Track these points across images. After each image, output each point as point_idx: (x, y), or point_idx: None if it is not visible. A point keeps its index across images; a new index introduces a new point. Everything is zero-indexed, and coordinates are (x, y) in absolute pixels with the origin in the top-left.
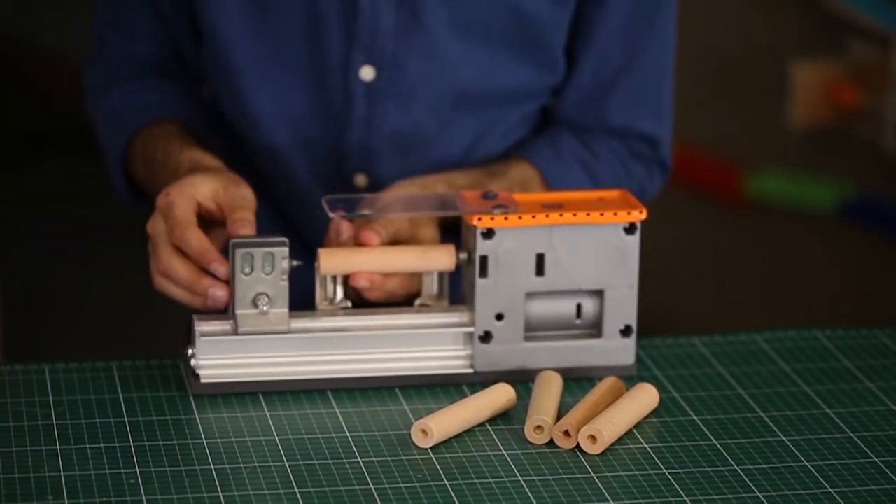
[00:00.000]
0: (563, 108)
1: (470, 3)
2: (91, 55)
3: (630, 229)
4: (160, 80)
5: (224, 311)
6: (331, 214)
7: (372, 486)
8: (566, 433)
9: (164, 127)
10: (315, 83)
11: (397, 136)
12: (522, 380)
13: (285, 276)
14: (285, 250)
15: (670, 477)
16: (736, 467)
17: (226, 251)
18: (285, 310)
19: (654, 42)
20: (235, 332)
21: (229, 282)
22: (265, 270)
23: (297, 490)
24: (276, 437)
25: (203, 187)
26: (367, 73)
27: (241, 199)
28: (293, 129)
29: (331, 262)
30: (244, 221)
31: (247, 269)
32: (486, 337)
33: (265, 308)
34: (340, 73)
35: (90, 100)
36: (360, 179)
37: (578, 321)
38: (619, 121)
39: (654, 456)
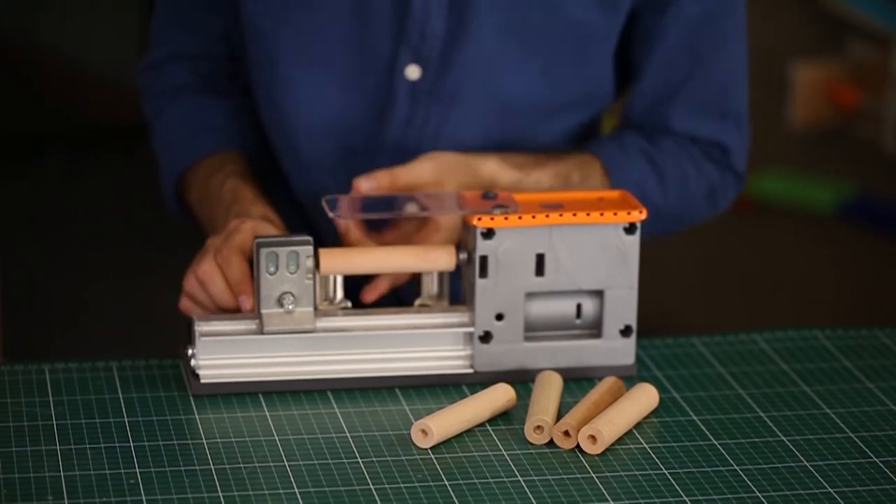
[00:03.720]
0: (630, 114)
1: (520, 12)
2: (148, 55)
3: (630, 229)
4: (217, 99)
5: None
6: (330, 215)
7: (372, 486)
8: (566, 433)
9: (233, 165)
10: (356, 79)
11: (435, 139)
12: (522, 380)
13: (310, 275)
14: (310, 249)
15: (670, 477)
16: (736, 467)
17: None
18: (311, 308)
19: (720, 53)
20: (261, 332)
21: (254, 282)
22: (290, 269)
23: (297, 490)
24: (276, 437)
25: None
26: (412, 72)
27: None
28: (328, 126)
29: (331, 261)
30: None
31: (271, 269)
32: (486, 337)
33: (290, 307)
34: (385, 70)
35: (148, 103)
36: None
37: (578, 321)
38: (682, 127)
39: (654, 456)
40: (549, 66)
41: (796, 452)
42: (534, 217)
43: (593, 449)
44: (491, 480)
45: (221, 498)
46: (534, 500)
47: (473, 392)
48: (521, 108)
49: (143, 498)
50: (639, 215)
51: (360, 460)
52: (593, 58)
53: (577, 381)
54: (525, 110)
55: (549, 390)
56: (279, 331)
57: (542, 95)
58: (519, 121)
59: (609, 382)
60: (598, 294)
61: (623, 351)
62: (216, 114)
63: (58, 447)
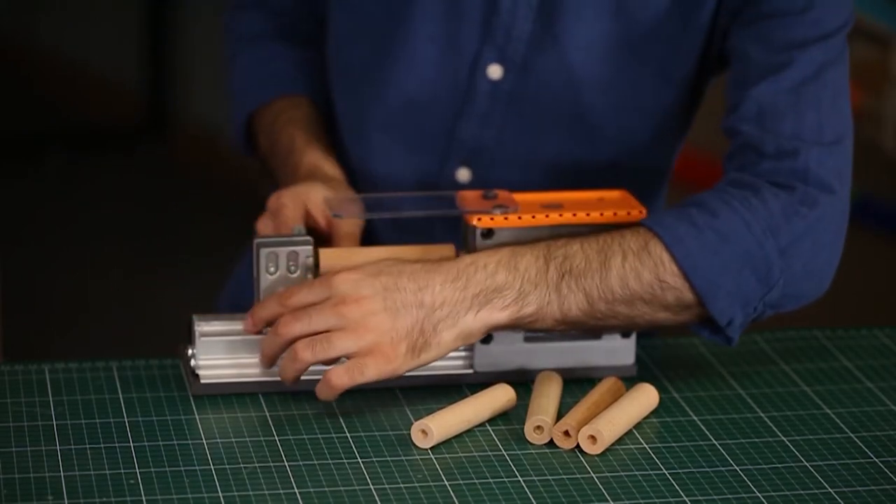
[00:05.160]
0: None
1: (611, 30)
2: None
3: None
4: (301, 49)
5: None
6: (331, 215)
7: (372, 486)
8: (566, 433)
9: (294, 111)
10: (439, 72)
11: (511, 138)
12: (522, 380)
13: (310, 275)
14: (310, 249)
15: (670, 477)
16: (736, 467)
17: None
18: None
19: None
20: (261, 332)
21: (254, 282)
22: (290, 269)
23: (297, 490)
24: (276, 438)
25: (315, 196)
26: (494, 71)
27: (347, 226)
28: (404, 113)
29: (330, 261)
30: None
31: (271, 269)
32: (486, 337)
33: None
34: (469, 67)
35: (227, 44)
36: (463, 174)
37: None
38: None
39: (654, 456)
40: (635, 86)
41: (796, 452)
42: (534, 217)
43: (593, 449)
44: (491, 480)
45: (221, 498)
46: (534, 500)
47: (473, 392)
48: (599, 121)
49: (143, 498)
50: (639, 215)
51: (360, 460)
52: (682, 82)
53: (577, 381)
54: (603, 123)
55: (549, 390)
56: None
57: (623, 111)
58: (596, 131)
59: (609, 382)
60: None
61: (623, 351)
62: (288, 61)
63: (58, 447)
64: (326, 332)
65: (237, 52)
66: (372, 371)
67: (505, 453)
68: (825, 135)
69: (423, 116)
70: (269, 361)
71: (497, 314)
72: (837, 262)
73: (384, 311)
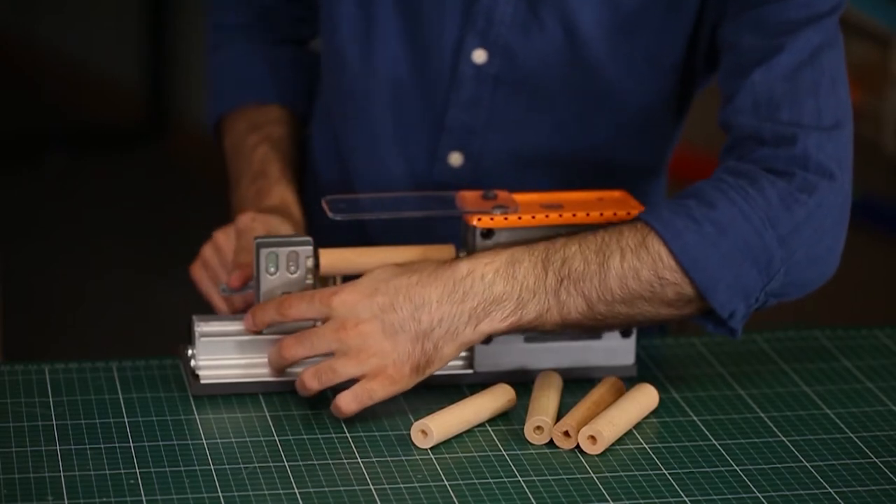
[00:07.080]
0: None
1: (595, 11)
2: None
3: None
4: (274, 48)
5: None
6: (331, 215)
7: (372, 486)
8: (566, 433)
9: (268, 128)
10: (422, 58)
11: (501, 121)
12: (522, 380)
13: (310, 276)
14: (310, 249)
15: (670, 477)
16: (736, 467)
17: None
18: None
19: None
20: (261, 332)
21: (253, 282)
22: (290, 270)
23: (296, 490)
24: (276, 438)
25: (283, 231)
26: (479, 56)
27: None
28: (388, 103)
29: (331, 261)
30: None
31: (272, 269)
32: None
33: None
34: (452, 52)
35: (209, 32)
36: (455, 158)
37: None
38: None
39: (654, 456)
40: (622, 69)
41: (796, 452)
42: (534, 217)
43: (593, 449)
44: (491, 480)
45: (221, 498)
46: (534, 500)
47: (473, 392)
48: (587, 104)
49: (143, 498)
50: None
51: (360, 460)
52: (671, 70)
53: (577, 381)
54: (591, 106)
55: (549, 390)
56: (279, 331)
57: (611, 95)
58: (585, 114)
59: (609, 382)
60: None
61: (623, 351)
62: (269, 64)
63: (58, 447)
64: (330, 353)
65: (219, 44)
66: (380, 394)
67: (505, 453)
68: (824, 119)
69: (410, 104)
70: (277, 374)
71: (497, 325)
72: (841, 248)
73: (382, 333)
